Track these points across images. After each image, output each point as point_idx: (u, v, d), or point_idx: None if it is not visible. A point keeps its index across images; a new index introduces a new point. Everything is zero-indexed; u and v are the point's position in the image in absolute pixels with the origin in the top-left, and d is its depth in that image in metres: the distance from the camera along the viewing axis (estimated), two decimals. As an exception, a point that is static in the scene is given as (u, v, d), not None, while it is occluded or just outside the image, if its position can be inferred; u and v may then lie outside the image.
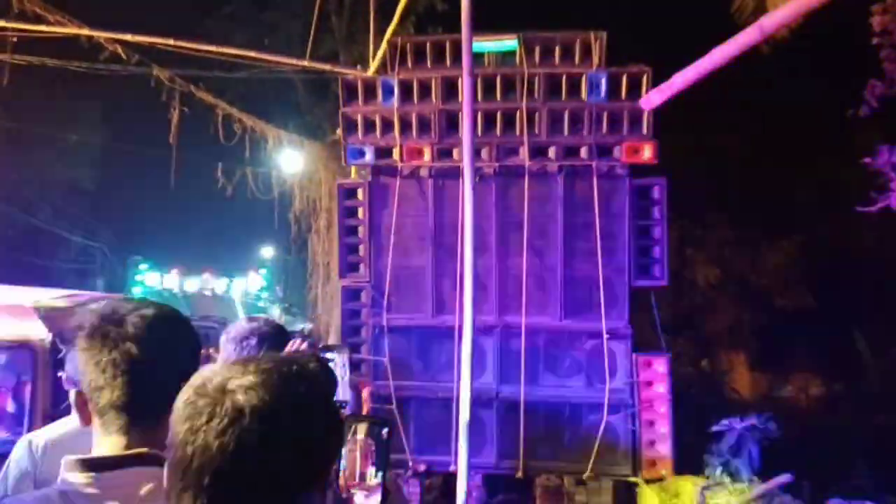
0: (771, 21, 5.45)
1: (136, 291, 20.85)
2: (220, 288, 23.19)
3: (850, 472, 8.91)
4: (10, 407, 5.35)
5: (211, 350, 4.72)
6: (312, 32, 9.86)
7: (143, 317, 1.40)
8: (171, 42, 9.14)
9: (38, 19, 8.98)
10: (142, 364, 1.34)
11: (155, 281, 22.18)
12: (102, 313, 1.42)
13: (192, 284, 22.75)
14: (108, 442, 1.34)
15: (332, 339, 13.75)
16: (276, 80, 13.61)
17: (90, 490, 1.26)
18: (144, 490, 1.27)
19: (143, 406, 1.34)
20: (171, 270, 22.60)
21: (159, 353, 1.36)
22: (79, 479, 1.27)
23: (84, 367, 1.38)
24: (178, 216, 24.34)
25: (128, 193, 24.67)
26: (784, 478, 6.31)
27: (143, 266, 22.34)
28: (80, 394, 1.41)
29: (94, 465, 1.30)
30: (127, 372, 1.34)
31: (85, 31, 9.19)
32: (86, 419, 1.40)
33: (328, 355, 2.94)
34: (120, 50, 9.42)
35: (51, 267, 20.69)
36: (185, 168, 12.53)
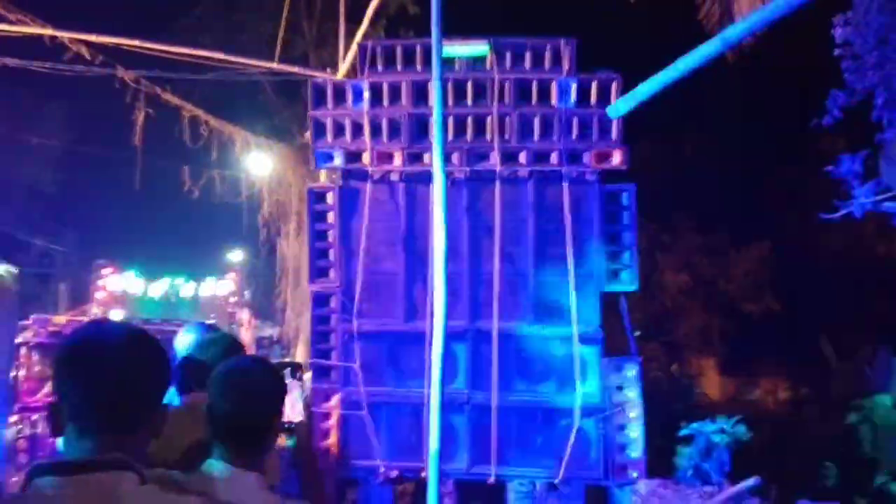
0: (733, 32, 5.51)
1: (100, 296, 20.41)
2: (188, 292, 22.79)
3: (818, 475, 9.04)
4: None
5: None
6: (282, 35, 9.80)
7: (123, 339, 1.49)
8: (137, 43, 8.99)
9: (0, 18, 8.76)
10: (113, 379, 1.42)
11: (119, 285, 21.74)
12: (78, 334, 1.52)
13: (158, 289, 22.34)
14: (78, 447, 1.39)
15: (301, 345, 13.61)
16: (244, 83, 13.44)
17: (59, 492, 1.31)
18: (116, 493, 1.31)
19: (115, 416, 1.41)
20: (135, 275, 22.18)
21: (131, 371, 1.45)
22: (48, 482, 1.33)
23: (59, 383, 1.45)
24: (144, 219, 23.93)
25: (91, 196, 24.15)
26: (752, 481, 6.37)
27: (106, 270, 21.87)
28: (54, 405, 1.46)
29: (62, 469, 1.36)
30: (99, 385, 1.41)
31: (48, 31, 8.99)
32: (57, 431, 1.45)
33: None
34: (84, 50, 9.22)
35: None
36: (151, 171, 12.35)
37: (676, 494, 6.55)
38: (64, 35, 9.02)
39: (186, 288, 23.18)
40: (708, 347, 14.03)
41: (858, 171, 7.23)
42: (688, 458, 7.04)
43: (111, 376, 1.41)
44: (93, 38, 9.03)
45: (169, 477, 1.87)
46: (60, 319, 11.61)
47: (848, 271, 13.26)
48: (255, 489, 2.13)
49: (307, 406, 5.34)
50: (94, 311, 11.88)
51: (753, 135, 14.47)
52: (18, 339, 10.20)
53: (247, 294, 24.34)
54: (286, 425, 2.54)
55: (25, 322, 10.86)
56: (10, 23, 8.76)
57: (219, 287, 23.90)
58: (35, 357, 10.79)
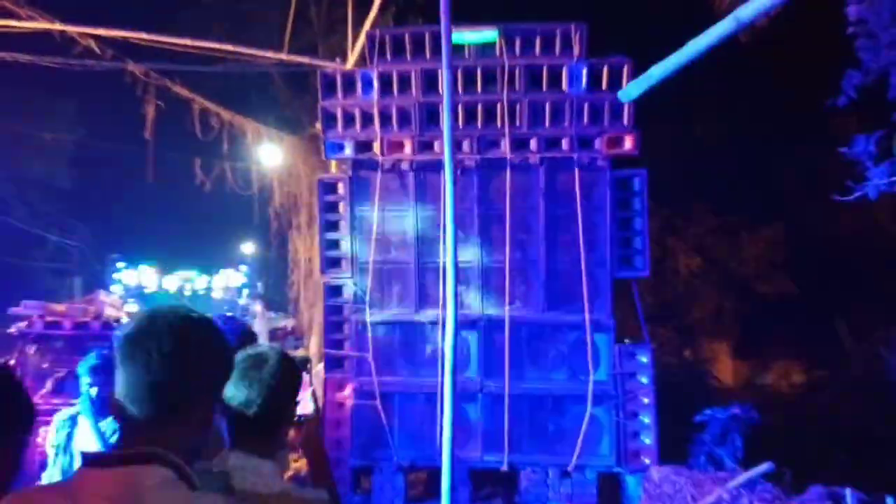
0: (747, 11, 5.43)
1: (115, 290, 20.61)
2: (201, 285, 23.00)
3: (831, 460, 8.99)
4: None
5: None
6: (290, 25, 9.76)
7: (166, 327, 1.46)
8: (145, 36, 9.01)
9: (9, 14, 8.79)
10: (152, 370, 1.40)
11: (134, 279, 21.96)
12: (135, 318, 1.51)
13: (172, 282, 22.56)
14: (120, 439, 1.42)
15: (315, 336, 13.68)
16: (254, 74, 13.45)
17: (91, 484, 1.32)
18: (143, 487, 1.30)
19: (152, 409, 1.40)
20: (149, 268, 22.38)
21: (178, 356, 1.42)
22: (84, 473, 1.36)
23: (117, 372, 1.46)
24: (157, 213, 24.09)
25: (105, 191, 24.36)
26: (765, 466, 6.34)
27: (121, 264, 22.09)
28: (111, 394, 1.48)
29: (97, 461, 1.39)
30: (141, 377, 1.41)
31: (57, 26, 9.02)
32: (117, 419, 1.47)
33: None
34: (93, 45, 9.25)
35: (27, 267, 20.37)
36: (163, 164, 12.40)
37: (689, 481, 6.52)
38: (73, 30, 9.05)
39: (199, 280, 23.42)
40: (721, 331, 13.94)
41: (873, 151, 7.14)
42: (701, 444, 7.02)
43: (145, 365, 1.40)
44: (102, 31, 9.05)
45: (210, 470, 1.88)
46: (59, 307, 10.09)
47: (863, 252, 13.13)
48: (271, 478, 2.14)
49: (314, 398, 5.34)
50: (103, 300, 11.13)
51: (767, 116, 14.32)
52: (12, 330, 9.46)
53: (259, 286, 24.51)
54: (297, 418, 2.52)
55: (17, 310, 9.86)
56: (21, 19, 8.80)
57: (231, 279, 24.11)
58: (33, 350, 9.42)
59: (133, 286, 21.80)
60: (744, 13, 5.62)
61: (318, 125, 7.96)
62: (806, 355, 14.11)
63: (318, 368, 9.15)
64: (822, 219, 13.25)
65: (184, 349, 1.44)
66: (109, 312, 10.50)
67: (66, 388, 8.11)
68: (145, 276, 22.14)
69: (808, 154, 13.26)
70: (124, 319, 10.33)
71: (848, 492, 6.08)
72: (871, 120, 7.39)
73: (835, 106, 7.49)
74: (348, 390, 7.51)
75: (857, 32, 7.22)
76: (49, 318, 9.43)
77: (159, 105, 10.57)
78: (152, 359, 1.40)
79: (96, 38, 9.23)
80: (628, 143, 7.33)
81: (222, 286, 23.12)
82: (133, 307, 19.93)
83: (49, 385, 8.93)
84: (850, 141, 7.33)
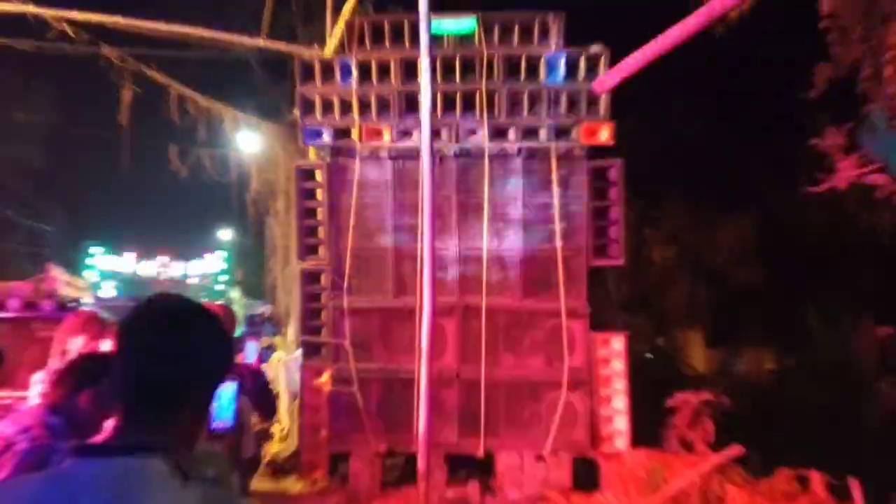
0: (720, 4, 5.53)
1: (90, 276, 20.40)
2: (178, 271, 22.85)
3: (801, 444, 9.21)
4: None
5: None
6: (268, 10, 9.69)
7: (164, 314, 1.44)
8: (121, 20, 8.90)
9: (-19, -4, 8.65)
10: (149, 359, 1.38)
11: (109, 264, 21.75)
12: (131, 310, 1.47)
13: (148, 268, 22.39)
14: (112, 429, 1.39)
15: (293, 322, 13.67)
16: (231, 60, 13.33)
17: (83, 474, 1.29)
18: (136, 478, 1.29)
19: (147, 399, 1.37)
20: (126, 254, 22.18)
21: (166, 351, 1.39)
22: (76, 463, 1.32)
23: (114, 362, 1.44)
24: (133, 198, 23.86)
25: (80, 175, 24.03)
26: (735, 450, 6.50)
27: (96, 249, 21.87)
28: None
29: (89, 452, 1.35)
30: (136, 366, 1.39)
31: (30, 9, 8.87)
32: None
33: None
34: (67, 28, 9.12)
35: (1, 250, 20.09)
36: (139, 149, 12.27)
37: (662, 464, 6.68)
38: (47, 13, 8.92)
39: (176, 266, 23.27)
40: (694, 319, 14.18)
41: (842, 143, 7.30)
42: (673, 428, 7.16)
43: (142, 355, 1.38)
44: (76, 15, 8.92)
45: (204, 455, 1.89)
46: (1, 284, 8.34)
47: (832, 242, 13.41)
48: None
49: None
50: (57, 277, 9.15)
51: (739, 108, 14.52)
52: None
53: (237, 272, 24.40)
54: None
55: None
56: (-8, 1, 8.66)
57: (208, 266, 23.95)
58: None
59: (108, 271, 21.59)
60: (716, 6, 5.72)
61: (296, 111, 7.95)
62: (776, 343, 14.38)
63: (297, 354, 9.17)
64: (792, 209, 13.48)
65: (184, 340, 1.41)
66: (66, 291, 8.93)
67: (13, 381, 6.63)
68: (121, 261, 21.94)
69: (780, 146, 13.48)
70: (86, 300, 9.36)
71: (814, 474, 6.26)
72: (841, 112, 7.55)
73: (806, 98, 7.64)
74: (326, 376, 7.55)
75: (830, 26, 7.36)
76: None
77: (135, 90, 10.45)
78: (148, 350, 1.38)
79: (71, 21, 9.10)
80: (605, 133, 7.41)
81: (199, 272, 22.97)
82: (110, 292, 19.75)
83: None
84: (820, 133, 7.48)
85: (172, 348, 1.39)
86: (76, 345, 4.04)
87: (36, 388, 4.17)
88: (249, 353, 8.81)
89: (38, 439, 2.37)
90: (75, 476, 1.29)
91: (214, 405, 2.56)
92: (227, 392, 2.71)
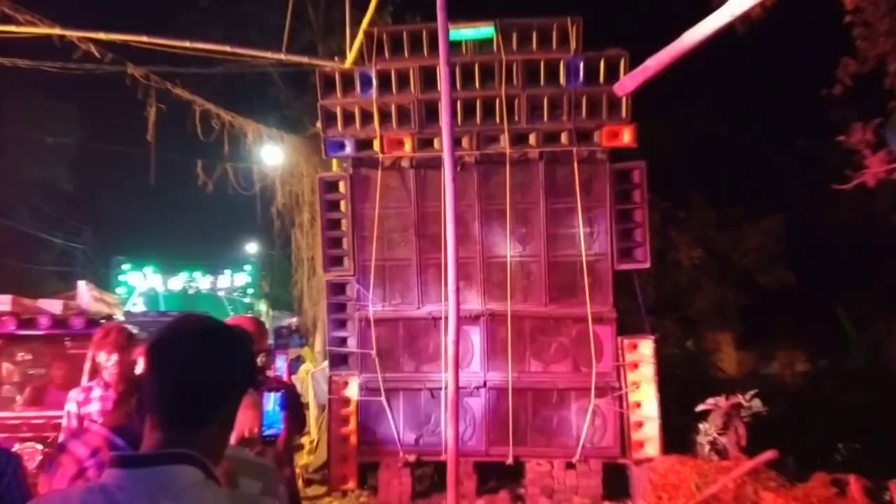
0: (741, 3, 5.46)
1: (120, 292, 20.69)
2: (205, 285, 23.11)
3: (835, 448, 9.02)
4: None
5: None
6: (289, 24, 9.79)
7: (195, 333, 1.56)
8: (145, 39, 9.05)
9: (8, 20, 8.84)
10: (183, 375, 1.48)
11: (138, 280, 22.06)
12: (160, 329, 1.56)
13: (177, 282, 22.67)
14: (148, 440, 1.47)
15: (319, 333, 13.74)
16: (253, 75, 13.51)
17: (125, 484, 1.37)
18: (177, 486, 1.37)
19: (182, 409, 1.46)
20: (154, 269, 22.49)
21: (196, 365, 1.49)
22: (116, 474, 1.40)
23: (146, 379, 1.53)
24: (160, 214, 24.21)
25: (107, 193, 24.51)
26: (769, 454, 6.38)
27: (125, 266, 22.20)
28: (139, 399, 1.58)
29: (129, 462, 1.43)
30: (172, 381, 1.48)
31: (56, 31, 9.05)
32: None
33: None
34: (93, 48, 9.28)
35: (31, 270, 20.47)
36: (165, 166, 12.44)
37: (694, 470, 6.57)
38: (72, 34, 9.08)
39: (204, 281, 23.55)
40: (723, 322, 13.95)
41: (871, 140, 7.16)
42: (704, 433, 7.06)
43: (177, 370, 1.48)
44: (101, 35, 9.09)
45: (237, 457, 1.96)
46: (30, 302, 8.15)
47: (862, 241, 13.13)
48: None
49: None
50: (88, 293, 8.96)
51: (764, 106, 14.32)
52: None
53: (263, 285, 24.60)
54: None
55: None
56: (19, 24, 8.85)
57: (236, 279, 24.24)
58: (9, 359, 7.67)
59: (138, 287, 21.90)
60: (738, 5, 5.65)
61: (319, 124, 8.01)
62: (808, 345, 14.11)
63: (325, 365, 9.19)
64: (821, 208, 13.25)
65: (211, 357, 1.50)
66: (96, 308, 8.89)
67: (45, 399, 6.79)
68: (150, 277, 22.25)
69: (807, 143, 13.26)
70: (116, 315, 9.32)
71: (852, 478, 6.12)
72: (868, 108, 7.41)
73: (832, 94, 7.52)
74: (353, 386, 7.57)
75: (855, 21, 7.25)
76: (26, 316, 7.60)
77: (160, 107, 10.59)
78: (183, 366, 1.48)
79: (96, 41, 9.27)
80: (627, 136, 7.37)
81: (227, 286, 23.22)
82: (139, 307, 20.02)
83: (27, 394, 7.28)
84: (847, 129, 7.35)
85: (202, 365, 1.49)
86: (102, 359, 4.06)
87: (72, 405, 4.14)
88: (279, 366, 8.85)
89: (105, 463, 2.39)
90: (117, 486, 1.37)
91: (265, 412, 2.71)
92: (273, 399, 2.84)
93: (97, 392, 4.11)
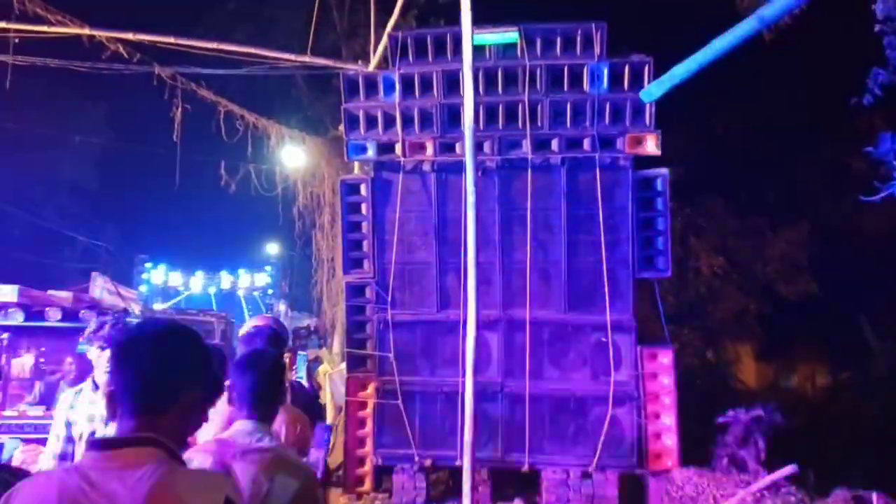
0: (771, 11, 5.41)
1: (142, 290, 20.91)
2: (226, 285, 23.25)
3: (856, 461, 8.89)
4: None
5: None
6: (313, 27, 9.85)
7: (153, 334, 1.76)
8: (172, 40, 9.15)
9: (39, 20, 8.97)
10: (142, 368, 1.69)
11: (160, 279, 22.26)
12: (125, 330, 1.84)
13: (198, 282, 22.84)
14: (119, 427, 1.68)
15: (338, 335, 13.79)
16: (277, 76, 13.58)
17: (98, 464, 1.58)
18: (145, 467, 1.56)
19: (146, 400, 1.67)
20: (176, 268, 22.68)
21: (156, 361, 1.70)
22: (92, 455, 1.62)
23: (111, 374, 1.75)
24: (183, 214, 24.40)
25: (132, 192, 24.73)
26: (789, 469, 6.30)
27: (148, 265, 22.40)
28: (110, 393, 1.74)
29: (102, 445, 1.66)
30: (134, 376, 1.69)
31: (86, 31, 9.18)
32: (111, 415, 1.74)
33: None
34: (121, 49, 9.40)
35: (56, 266, 20.74)
36: (188, 166, 12.55)
37: (712, 483, 6.50)
38: (101, 34, 9.20)
39: (224, 280, 23.70)
40: (744, 333, 13.80)
41: (899, 150, 7.05)
42: (724, 445, 6.98)
43: (140, 366, 1.68)
44: (130, 36, 9.20)
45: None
46: (38, 293, 7.88)
47: (886, 252, 12.96)
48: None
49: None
50: (102, 286, 8.63)
51: (790, 115, 14.18)
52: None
53: (283, 285, 24.73)
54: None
55: None
56: (51, 24, 8.98)
57: (256, 279, 24.35)
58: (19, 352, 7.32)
59: (159, 286, 22.10)
60: (768, 12, 5.59)
61: (341, 127, 8.04)
62: (830, 357, 13.93)
63: (342, 367, 9.22)
64: (845, 218, 13.08)
65: (166, 355, 1.72)
66: (111, 301, 8.69)
67: (53, 397, 6.41)
68: (172, 276, 22.43)
69: (833, 153, 13.10)
70: (135, 310, 9.01)
71: (874, 495, 6.02)
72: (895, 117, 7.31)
73: (860, 104, 7.41)
74: (371, 389, 7.58)
75: (885, 30, 7.15)
76: (37, 308, 7.25)
77: (186, 108, 10.70)
78: (140, 364, 1.69)
79: (124, 42, 9.39)
80: (650, 143, 7.32)
81: (247, 286, 23.35)
82: (161, 305, 20.23)
83: (37, 392, 7.04)
84: (875, 140, 7.24)
85: (159, 362, 1.70)
86: (94, 356, 3.63)
87: (84, 403, 3.58)
88: (298, 367, 8.87)
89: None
90: (91, 466, 1.59)
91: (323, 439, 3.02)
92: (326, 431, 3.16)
93: (85, 394, 3.62)
